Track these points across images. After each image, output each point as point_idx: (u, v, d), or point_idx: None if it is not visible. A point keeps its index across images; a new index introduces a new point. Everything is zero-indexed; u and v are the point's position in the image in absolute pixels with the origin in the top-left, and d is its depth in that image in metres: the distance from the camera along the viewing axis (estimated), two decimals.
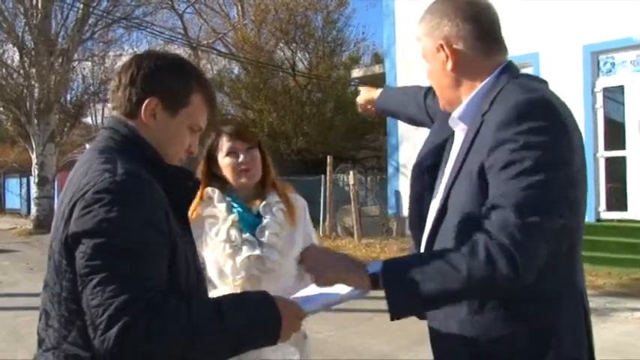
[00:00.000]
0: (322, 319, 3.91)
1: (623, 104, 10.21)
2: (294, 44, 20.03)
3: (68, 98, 20.18)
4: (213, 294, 1.86)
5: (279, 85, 19.50)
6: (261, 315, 1.33)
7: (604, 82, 10.38)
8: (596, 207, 10.34)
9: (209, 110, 1.54)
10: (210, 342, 1.26)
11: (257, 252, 2.11)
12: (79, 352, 1.28)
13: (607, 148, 10.33)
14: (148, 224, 1.26)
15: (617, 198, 10.25)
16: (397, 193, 13.53)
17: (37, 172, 19.06)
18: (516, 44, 10.94)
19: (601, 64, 10.42)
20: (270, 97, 18.48)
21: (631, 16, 9.65)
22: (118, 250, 1.22)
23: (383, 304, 1.40)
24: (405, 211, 13.00)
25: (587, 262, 9.77)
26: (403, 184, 13.18)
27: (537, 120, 1.38)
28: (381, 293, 1.40)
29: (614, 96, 10.42)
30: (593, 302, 7.14)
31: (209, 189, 2.23)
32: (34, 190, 19.56)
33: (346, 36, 20.90)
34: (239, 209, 2.21)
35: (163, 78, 1.45)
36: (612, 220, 10.10)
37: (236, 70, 24.37)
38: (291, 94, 19.55)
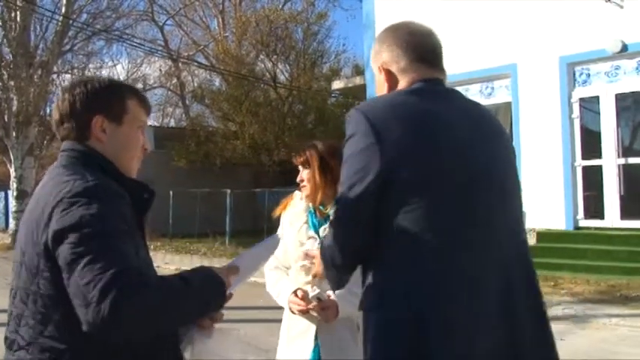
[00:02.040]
0: None
1: (598, 114, 10.42)
2: (274, 56, 20.10)
3: (48, 111, 19.97)
4: (290, 275, 2.60)
5: (260, 97, 19.54)
6: (211, 278, 1.53)
7: (580, 92, 10.59)
8: (575, 215, 10.51)
9: (145, 108, 1.74)
10: (186, 303, 1.43)
11: (314, 248, 2.42)
12: (55, 344, 1.40)
13: (584, 157, 10.52)
14: (119, 216, 1.43)
15: (595, 206, 10.42)
16: None
17: (15, 185, 18.81)
18: (495, 56, 11.21)
19: (577, 75, 10.62)
20: (252, 109, 18.49)
21: (606, 29, 9.88)
22: (99, 235, 1.34)
23: None
24: None
25: (567, 269, 9.94)
26: None
27: (349, 128, 1.62)
28: None
29: (590, 106, 10.63)
30: (572, 309, 7.28)
31: (297, 192, 2.69)
32: (12, 204, 19.29)
33: (327, 48, 21.08)
34: (311, 211, 2.63)
35: (98, 96, 1.64)
36: (590, 228, 10.27)
37: (217, 82, 24.42)
38: (272, 106, 19.57)
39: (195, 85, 25.70)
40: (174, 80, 33.40)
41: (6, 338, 1.50)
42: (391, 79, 1.75)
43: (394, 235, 1.53)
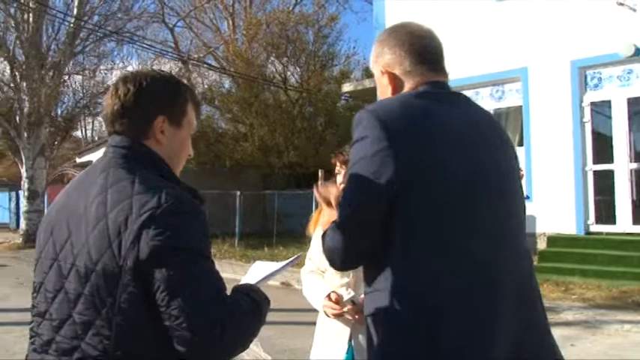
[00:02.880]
0: None
1: (610, 118, 10.36)
2: (285, 58, 20.13)
3: (59, 112, 20.12)
4: (321, 278, 2.62)
5: (270, 99, 19.57)
6: (262, 294, 1.58)
7: (591, 96, 10.54)
8: (586, 220, 10.46)
9: (198, 113, 1.69)
10: (260, 322, 1.51)
11: None
12: (129, 359, 1.38)
13: (595, 161, 10.46)
14: (206, 233, 1.44)
15: (606, 211, 10.36)
16: None
17: (27, 185, 18.96)
18: (505, 59, 11.18)
19: (588, 79, 10.57)
20: (262, 111, 18.54)
21: (617, 32, 9.83)
22: (199, 258, 1.38)
23: None
24: None
25: (577, 274, 9.87)
26: None
27: (359, 129, 1.60)
28: None
29: (602, 110, 10.58)
30: (584, 315, 7.23)
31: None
32: (23, 204, 19.44)
33: (337, 50, 21.07)
34: None
35: (164, 95, 1.55)
36: (601, 233, 10.21)
37: (227, 84, 24.47)
38: (282, 108, 19.61)
39: (205, 87, 25.74)
40: (184, 82, 33.51)
41: (49, 341, 1.45)
42: (395, 81, 1.72)
43: (401, 237, 1.54)
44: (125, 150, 1.51)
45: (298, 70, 20.73)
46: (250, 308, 1.46)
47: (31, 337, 1.50)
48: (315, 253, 2.72)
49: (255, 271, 1.84)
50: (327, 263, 2.55)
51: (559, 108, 10.68)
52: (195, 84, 32.61)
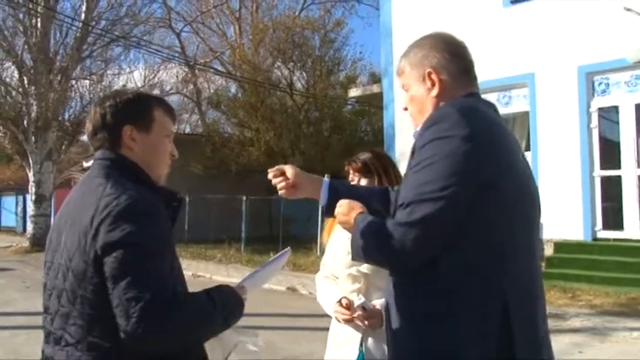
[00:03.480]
0: None
1: (617, 124, 10.32)
2: (291, 63, 20.15)
3: (66, 116, 20.19)
4: (334, 284, 2.61)
5: (276, 104, 19.59)
6: (233, 296, 1.74)
7: (599, 102, 10.51)
8: (593, 226, 10.41)
9: (171, 117, 1.86)
10: (212, 320, 1.63)
11: None
12: (102, 343, 1.54)
13: (602, 167, 10.42)
14: (160, 233, 1.59)
15: (613, 217, 10.31)
16: None
17: (34, 190, 19.03)
18: (512, 65, 11.17)
19: (596, 84, 10.54)
20: (268, 116, 18.56)
21: (625, 38, 9.79)
22: (143, 254, 1.51)
23: None
24: None
25: (584, 281, 9.83)
26: None
27: (444, 126, 1.59)
28: None
29: (609, 116, 10.54)
30: (591, 322, 7.19)
31: None
32: (30, 208, 19.51)
33: (343, 55, 21.06)
34: None
35: (128, 107, 1.77)
36: (609, 239, 10.16)
37: (233, 89, 24.52)
38: (288, 113, 19.61)
39: (211, 91, 25.82)
40: (191, 87, 33.66)
41: (49, 332, 1.65)
42: (443, 84, 1.74)
43: (474, 240, 1.56)
44: (104, 160, 1.73)
45: (304, 74, 20.74)
46: (202, 306, 1.60)
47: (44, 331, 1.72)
48: (330, 258, 2.73)
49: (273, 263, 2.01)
50: (339, 268, 2.58)
51: (566, 114, 10.65)
52: (201, 89, 32.90)
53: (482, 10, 11.69)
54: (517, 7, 11.37)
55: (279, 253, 2.07)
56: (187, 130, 34.23)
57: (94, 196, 1.60)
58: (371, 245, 1.68)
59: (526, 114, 11.36)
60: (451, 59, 1.75)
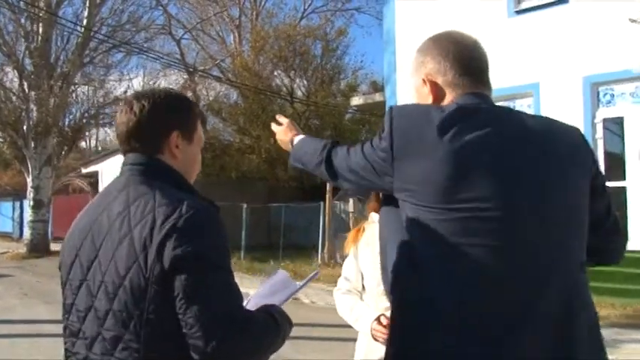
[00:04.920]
0: None
1: (622, 135, 10.29)
2: (292, 71, 20.15)
3: (66, 122, 20.12)
4: (365, 300, 2.54)
5: (277, 112, 19.56)
6: (285, 315, 1.64)
7: (604, 113, 10.48)
8: None
9: (205, 128, 1.80)
10: (277, 339, 1.54)
11: None
12: None
13: (608, 178, 10.33)
14: (226, 246, 1.49)
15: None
16: None
17: (32, 195, 18.92)
18: (517, 74, 11.15)
19: (601, 95, 10.52)
20: (268, 124, 18.49)
21: (630, 49, 9.77)
22: (216, 269, 1.42)
23: None
24: None
25: (591, 292, 9.81)
26: None
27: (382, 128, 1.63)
28: None
29: (614, 127, 10.50)
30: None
31: (373, 213, 2.52)
32: (28, 214, 19.38)
33: (344, 64, 21.07)
34: None
35: (177, 112, 1.63)
36: None
37: (234, 96, 24.50)
38: None
39: (211, 98, 25.77)
40: (190, 94, 33.66)
41: (85, 359, 1.49)
42: (437, 91, 1.68)
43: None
44: (142, 166, 1.57)
45: (305, 82, 20.74)
46: (269, 326, 1.51)
47: (67, 357, 1.55)
48: (352, 272, 2.65)
49: (274, 284, 1.93)
50: (370, 284, 2.51)
51: (571, 124, 10.60)
52: (200, 95, 32.81)
53: (487, 19, 11.67)
54: (522, 17, 11.36)
55: (310, 276, 2.00)
56: None
57: (144, 206, 1.46)
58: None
59: None
60: (448, 64, 1.68)
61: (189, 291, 1.36)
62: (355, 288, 2.62)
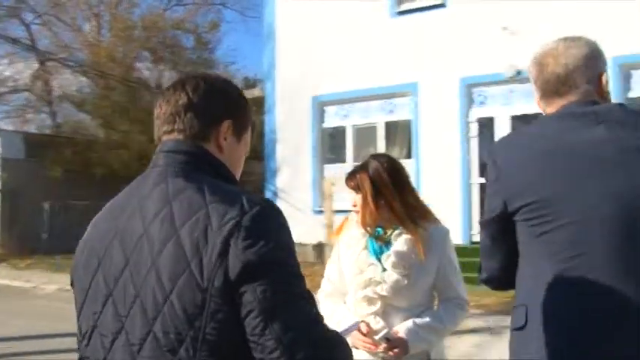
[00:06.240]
0: None
1: (493, 135, 11.00)
2: (162, 64, 19.29)
3: None
4: (347, 303, 2.40)
5: (147, 105, 18.59)
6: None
7: (477, 113, 11.14)
8: (469, 230, 10.97)
9: (252, 134, 1.49)
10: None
11: (376, 276, 2.27)
12: None
13: (480, 175, 11.03)
14: (294, 247, 1.24)
15: None
16: None
17: None
18: (398, 74, 11.50)
19: (475, 96, 11.17)
20: (138, 118, 17.51)
21: (502, 55, 10.47)
22: (294, 276, 1.18)
23: None
24: None
25: (467, 282, 10.38)
26: (282, 209, 13.01)
27: None
28: None
29: (486, 127, 11.19)
30: (485, 321, 7.49)
31: (354, 213, 2.42)
32: None
33: (216, 58, 20.59)
34: (370, 236, 2.38)
35: (233, 100, 1.39)
36: None
37: (87, 87, 22.85)
38: None
39: (74, 89, 23.90)
40: (40, 83, 31.01)
41: None
42: (542, 109, 1.78)
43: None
44: (184, 155, 1.29)
45: (175, 76, 19.93)
46: (347, 350, 1.28)
47: None
48: (335, 273, 2.48)
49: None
50: (351, 289, 2.37)
51: (447, 123, 11.16)
52: (52, 86, 30.34)
53: (369, 18, 11.93)
54: (403, 18, 11.75)
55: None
56: (32, 131, 31.42)
57: (190, 202, 1.19)
58: None
59: (409, 122, 11.75)
60: (540, 81, 1.75)
61: (269, 305, 1.11)
62: (338, 290, 2.47)
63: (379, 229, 2.36)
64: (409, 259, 2.27)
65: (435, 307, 2.39)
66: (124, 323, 1.18)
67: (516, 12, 10.30)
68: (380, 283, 2.27)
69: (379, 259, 2.33)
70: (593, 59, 1.68)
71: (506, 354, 6.39)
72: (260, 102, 14.06)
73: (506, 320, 6.94)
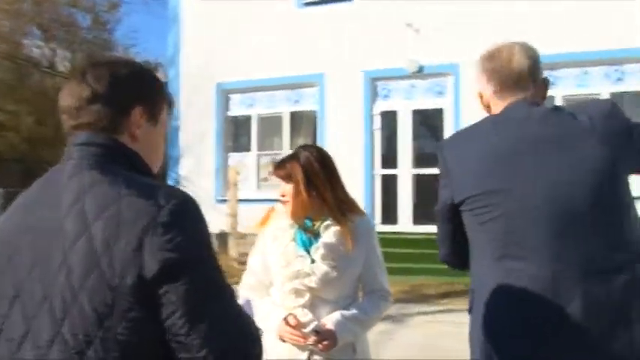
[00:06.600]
0: None
1: (396, 128, 11.31)
2: (54, 42, 18.17)
3: None
4: (272, 296, 2.36)
5: (37, 85, 17.47)
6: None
7: (381, 106, 11.39)
8: (372, 220, 11.21)
9: (170, 112, 1.44)
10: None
11: (305, 268, 2.24)
12: None
13: (383, 166, 11.33)
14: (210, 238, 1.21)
15: (390, 212, 11.28)
16: None
17: None
18: (304, 64, 11.52)
19: (379, 89, 11.41)
20: (28, 98, 16.42)
21: (405, 50, 10.77)
22: (217, 270, 1.16)
23: None
24: None
25: None
26: None
27: None
28: None
29: (390, 120, 11.48)
30: (389, 310, 7.71)
31: (280, 204, 2.38)
32: None
33: (115, 40, 19.67)
34: (298, 227, 2.34)
35: (141, 85, 1.33)
36: (386, 233, 11.03)
37: None
38: (49, 97, 17.62)
39: None
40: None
41: None
42: (488, 104, 1.89)
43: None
44: (97, 148, 1.23)
45: (69, 55, 18.87)
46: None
47: None
48: (259, 265, 2.41)
49: None
50: (278, 281, 2.33)
51: (352, 115, 11.33)
52: None
53: (277, 8, 11.84)
54: (310, 9, 11.76)
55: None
56: None
57: (103, 195, 1.13)
58: None
59: (314, 113, 11.83)
60: (489, 79, 1.83)
61: (194, 305, 1.08)
62: (262, 282, 2.41)
63: (307, 221, 2.33)
64: (338, 251, 2.26)
65: (360, 299, 2.39)
66: (31, 326, 1.10)
67: (421, 10, 10.62)
68: (309, 275, 2.25)
69: (308, 251, 2.30)
70: (539, 64, 1.82)
71: (408, 340, 6.68)
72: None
73: (408, 308, 7.19)
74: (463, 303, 7.99)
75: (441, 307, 7.82)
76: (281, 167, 2.34)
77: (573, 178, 1.60)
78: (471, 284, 1.81)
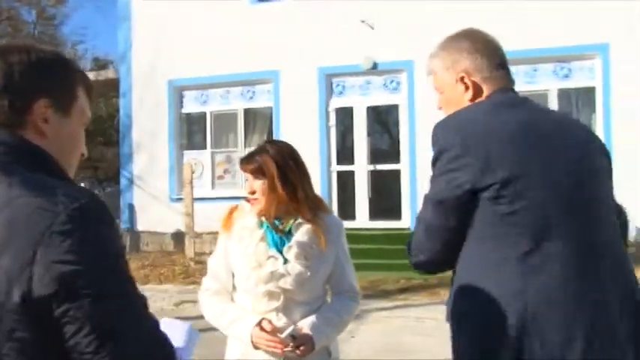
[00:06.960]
0: None
1: (352, 124, 11.34)
2: None
3: None
4: (237, 302, 2.24)
5: None
6: None
7: (336, 102, 11.40)
8: None
9: (91, 100, 1.32)
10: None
11: (279, 269, 2.14)
12: None
13: (339, 162, 11.34)
14: (122, 248, 1.13)
15: (347, 208, 11.31)
16: (131, 207, 12.70)
17: None
18: (259, 61, 11.43)
19: (334, 86, 11.41)
20: None
21: (360, 47, 10.79)
22: (128, 282, 1.07)
23: None
24: (140, 225, 12.52)
25: None
26: (138, 197, 12.49)
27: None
28: None
29: (345, 116, 11.49)
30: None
31: (244, 202, 2.27)
32: None
33: (62, 35, 19.08)
34: (267, 226, 2.22)
35: (46, 72, 1.19)
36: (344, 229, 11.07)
37: None
38: None
39: None
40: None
41: None
42: (475, 86, 1.75)
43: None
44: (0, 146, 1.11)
45: None
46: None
47: None
48: (221, 270, 2.29)
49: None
50: (249, 285, 2.18)
51: (307, 111, 11.30)
52: None
53: (229, 3, 11.70)
54: (263, 5, 11.67)
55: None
56: None
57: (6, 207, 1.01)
58: None
59: (270, 109, 11.75)
60: (482, 59, 1.75)
61: (101, 322, 0.98)
62: (225, 288, 2.29)
63: (276, 220, 2.21)
64: (311, 250, 2.17)
65: (329, 300, 2.32)
66: None
67: (375, 6, 10.66)
68: (283, 276, 2.14)
69: (280, 251, 2.18)
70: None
71: (369, 337, 6.68)
72: (114, 84, 13.30)
73: (367, 304, 7.21)
74: (421, 298, 8.09)
75: (399, 303, 7.88)
76: (250, 161, 2.21)
77: (589, 166, 1.64)
78: (460, 290, 1.62)
